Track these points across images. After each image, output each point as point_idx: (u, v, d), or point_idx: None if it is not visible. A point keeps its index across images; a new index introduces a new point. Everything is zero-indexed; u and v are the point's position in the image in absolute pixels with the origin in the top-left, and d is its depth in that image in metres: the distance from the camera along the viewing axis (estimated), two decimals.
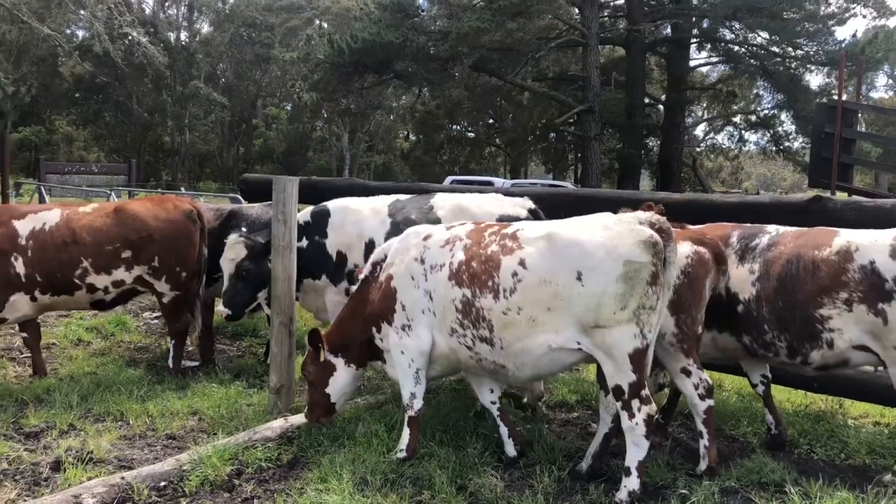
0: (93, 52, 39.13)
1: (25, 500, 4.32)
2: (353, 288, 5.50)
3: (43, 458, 4.91)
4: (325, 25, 47.33)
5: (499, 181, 22.85)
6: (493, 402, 4.97)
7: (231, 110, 55.27)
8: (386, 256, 5.04)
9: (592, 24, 28.56)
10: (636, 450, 4.20)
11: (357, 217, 6.58)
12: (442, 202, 6.71)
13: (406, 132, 56.87)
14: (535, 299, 4.23)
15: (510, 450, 4.90)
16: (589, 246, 4.13)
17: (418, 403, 4.83)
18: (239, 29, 53.82)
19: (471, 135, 50.27)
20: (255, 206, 8.00)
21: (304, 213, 6.82)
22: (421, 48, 28.14)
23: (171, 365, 7.02)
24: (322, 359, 5.13)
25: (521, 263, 4.29)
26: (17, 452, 5.04)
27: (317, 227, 6.67)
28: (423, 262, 4.73)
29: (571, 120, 31.29)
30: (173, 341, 7.06)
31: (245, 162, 55.67)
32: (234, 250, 6.43)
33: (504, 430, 4.95)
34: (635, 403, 4.14)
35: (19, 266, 6.43)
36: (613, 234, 4.14)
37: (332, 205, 6.80)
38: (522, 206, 6.65)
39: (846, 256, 4.39)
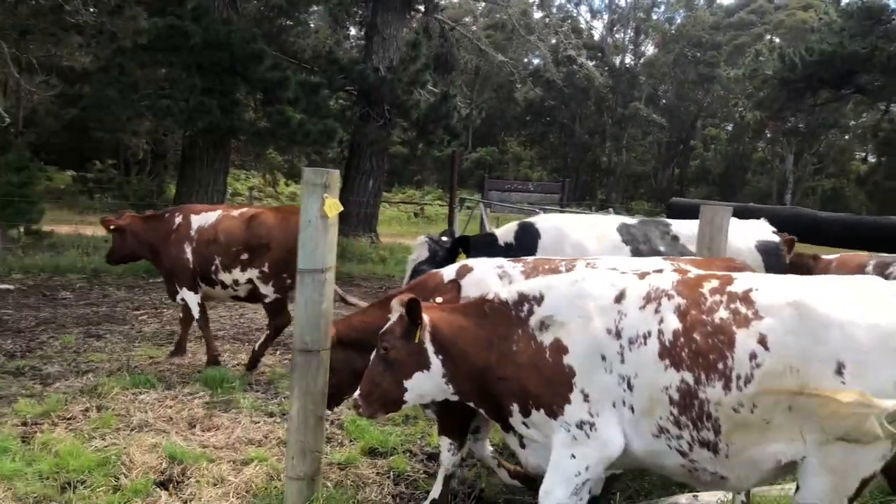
0: (543, 78, 41.95)
1: None
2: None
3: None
4: (777, 40, 44.03)
5: None
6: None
7: (669, 131, 54.71)
8: (542, 296, 3.58)
9: None
10: None
11: (577, 239, 5.79)
12: (686, 231, 5.91)
13: (864, 154, 50.28)
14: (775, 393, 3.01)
15: None
16: (855, 328, 2.90)
17: None
18: (683, 49, 53.01)
19: None
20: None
21: (506, 233, 6.17)
22: (893, 58, 24.40)
23: (255, 349, 7.60)
24: (418, 340, 3.67)
25: (762, 341, 3.03)
26: (416, 474, 5.06)
27: (523, 250, 5.82)
28: (618, 335, 3.32)
29: None
30: (268, 331, 7.67)
31: (679, 183, 54.60)
32: (417, 250, 5.97)
33: None
34: None
35: (189, 253, 7.58)
36: (892, 311, 2.91)
37: (542, 224, 6.11)
38: (768, 229, 6.00)
39: None
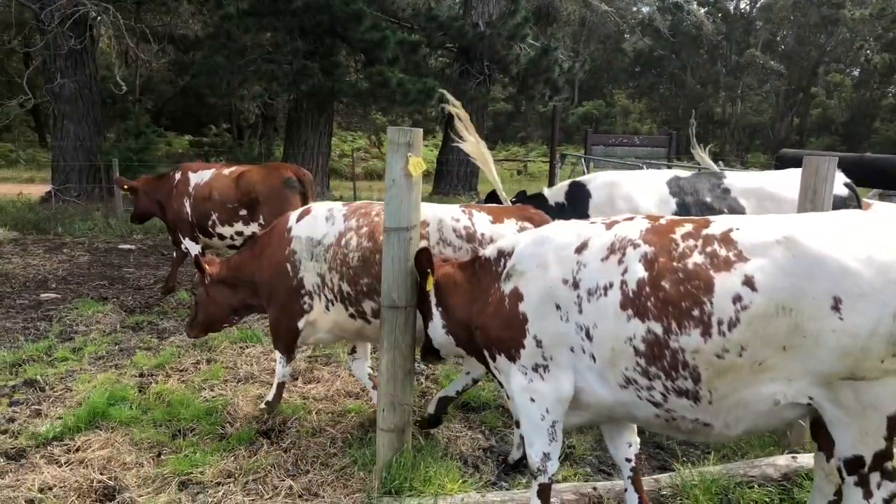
0: (652, 27, 40.42)
1: (495, 489, 4.29)
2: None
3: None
4: None
5: None
6: (629, 460, 3.82)
7: (788, 79, 51.78)
8: (513, 249, 3.65)
9: None
10: None
11: (626, 193, 5.79)
12: (739, 184, 5.73)
13: None
14: (767, 335, 2.85)
15: None
16: (852, 261, 2.77)
17: (553, 466, 3.60)
18: None
19: None
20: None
21: (556, 193, 6.17)
22: None
23: None
24: (428, 290, 4.02)
25: (749, 283, 2.88)
26: (508, 428, 5.10)
27: (575, 210, 5.85)
28: (575, 285, 3.28)
29: None
30: None
31: (798, 133, 51.74)
32: None
33: (633, 499, 3.82)
34: (874, 478, 2.92)
35: (188, 208, 8.32)
36: (888, 245, 2.78)
37: (594, 182, 6.09)
38: (839, 181, 5.48)
39: None
